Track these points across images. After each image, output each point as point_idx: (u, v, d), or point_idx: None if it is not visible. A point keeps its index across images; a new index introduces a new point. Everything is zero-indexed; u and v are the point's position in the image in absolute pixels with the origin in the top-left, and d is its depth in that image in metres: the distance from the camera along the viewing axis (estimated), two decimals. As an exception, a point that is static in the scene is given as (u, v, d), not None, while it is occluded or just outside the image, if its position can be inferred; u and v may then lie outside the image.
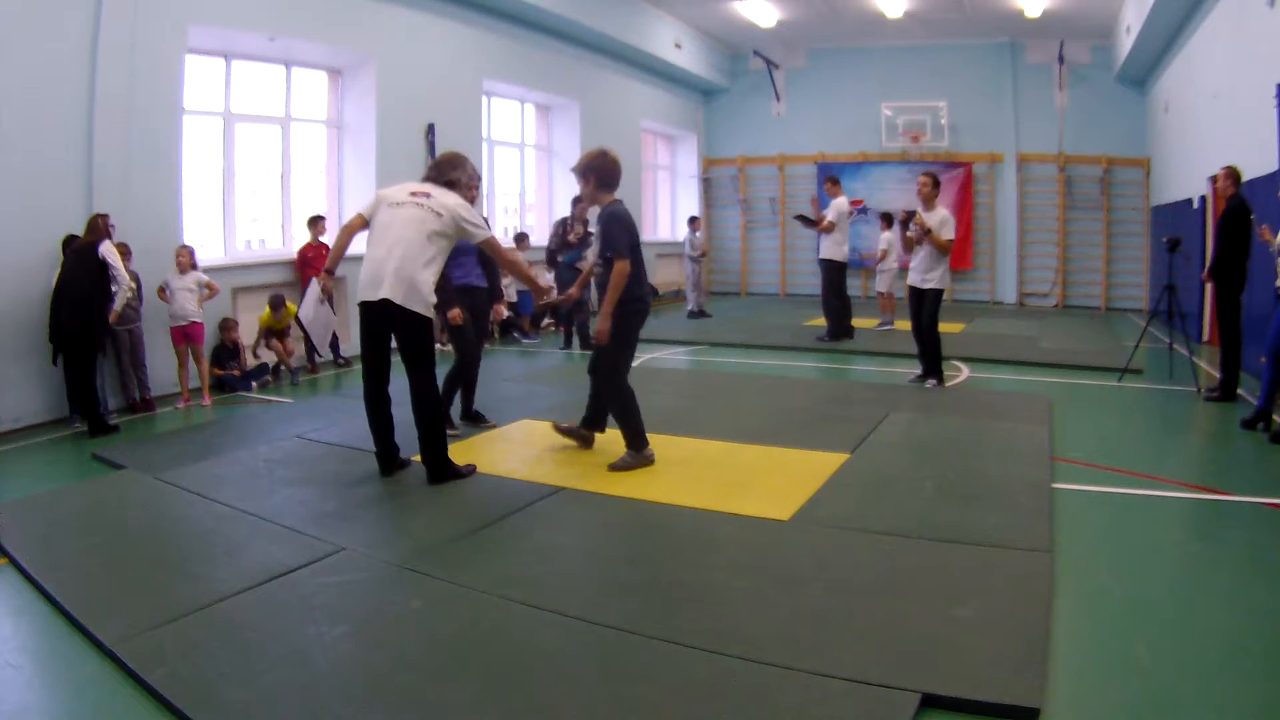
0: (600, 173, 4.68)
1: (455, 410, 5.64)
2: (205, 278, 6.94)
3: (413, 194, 4.40)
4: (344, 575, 3.31)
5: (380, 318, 4.34)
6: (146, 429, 6.12)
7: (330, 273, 4.60)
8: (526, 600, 3.07)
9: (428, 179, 4.61)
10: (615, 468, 4.66)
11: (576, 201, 9.13)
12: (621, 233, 4.58)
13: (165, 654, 2.69)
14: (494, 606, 3.04)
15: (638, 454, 4.71)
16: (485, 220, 4.57)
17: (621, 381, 4.72)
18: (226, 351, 7.57)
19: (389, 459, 4.60)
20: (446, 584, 3.24)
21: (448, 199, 4.42)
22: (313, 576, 3.29)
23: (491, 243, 4.63)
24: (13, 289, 5.92)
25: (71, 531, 3.82)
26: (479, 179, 4.81)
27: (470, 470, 4.59)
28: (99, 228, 5.94)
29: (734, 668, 2.59)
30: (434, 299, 4.39)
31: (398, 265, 4.23)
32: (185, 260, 6.81)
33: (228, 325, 7.59)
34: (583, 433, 5.11)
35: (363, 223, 4.45)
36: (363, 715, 2.36)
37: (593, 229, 8.52)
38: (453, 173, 4.61)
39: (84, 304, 5.73)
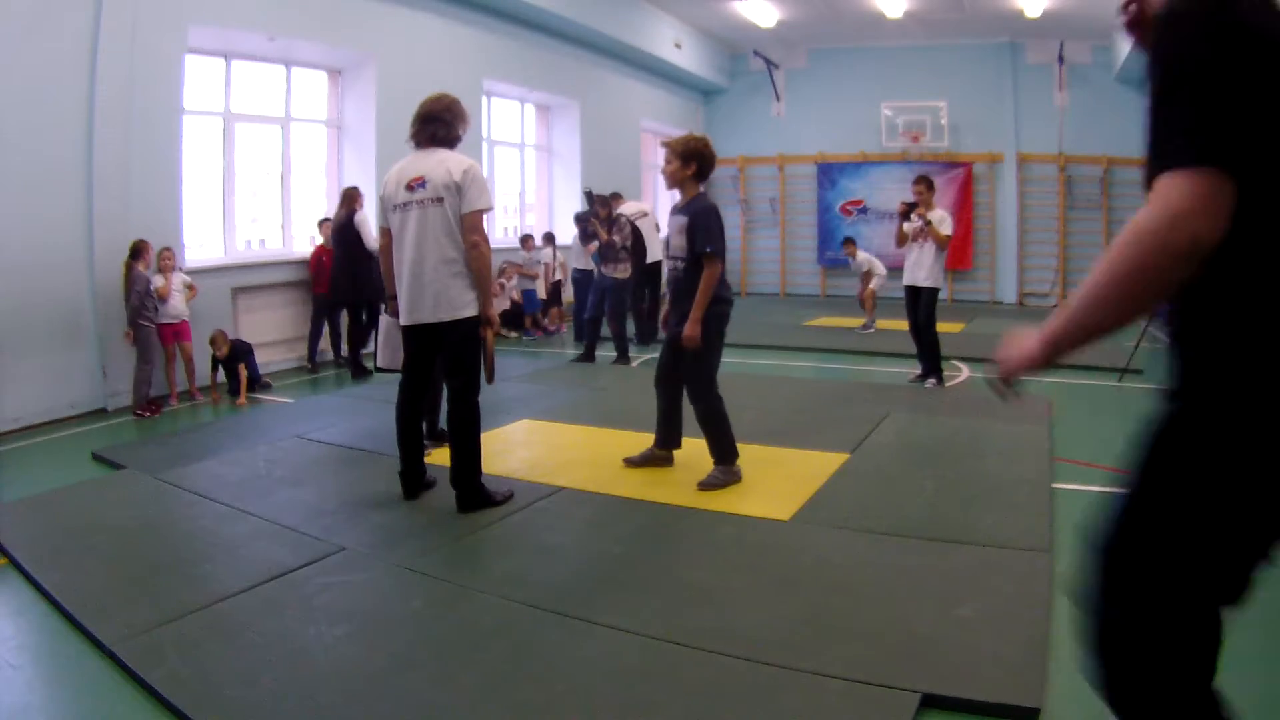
0: (703, 161, 4.32)
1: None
2: (187, 278, 6.98)
3: (409, 186, 3.92)
4: (344, 575, 3.31)
5: (423, 336, 4.05)
6: (146, 429, 6.12)
7: (393, 298, 4.21)
8: (526, 600, 3.06)
9: (416, 140, 4.07)
10: (705, 486, 4.28)
11: (610, 200, 8.59)
12: (720, 229, 4.24)
13: (165, 654, 2.69)
14: (494, 606, 3.04)
15: (729, 469, 4.36)
16: (488, 191, 3.97)
17: (714, 389, 4.36)
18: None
19: (414, 479, 4.22)
20: (446, 584, 3.24)
21: (444, 168, 3.89)
22: (313, 576, 3.29)
23: (476, 220, 3.93)
24: (12, 289, 5.91)
25: (71, 531, 3.82)
26: (467, 120, 4.20)
27: (507, 497, 4.15)
28: (352, 198, 7.70)
29: (734, 668, 2.59)
30: (473, 290, 3.95)
31: (426, 281, 3.89)
32: (170, 262, 6.84)
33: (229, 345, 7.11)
34: (658, 454, 4.68)
35: (389, 235, 4.10)
36: (363, 715, 2.36)
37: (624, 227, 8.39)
38: (456, 132, 4.08)
39: (347, 272, 7.66)
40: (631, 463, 4.69)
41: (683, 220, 4.32)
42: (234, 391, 7.02)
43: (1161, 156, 1.31)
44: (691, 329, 4.20)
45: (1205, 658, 1.51)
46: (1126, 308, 1.37)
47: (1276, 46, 1.27)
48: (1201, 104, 1.27)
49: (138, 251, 6.48)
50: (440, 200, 3.87)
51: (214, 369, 7.10)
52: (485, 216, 3.99)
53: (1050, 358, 1.54)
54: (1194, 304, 1.39)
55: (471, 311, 3.96)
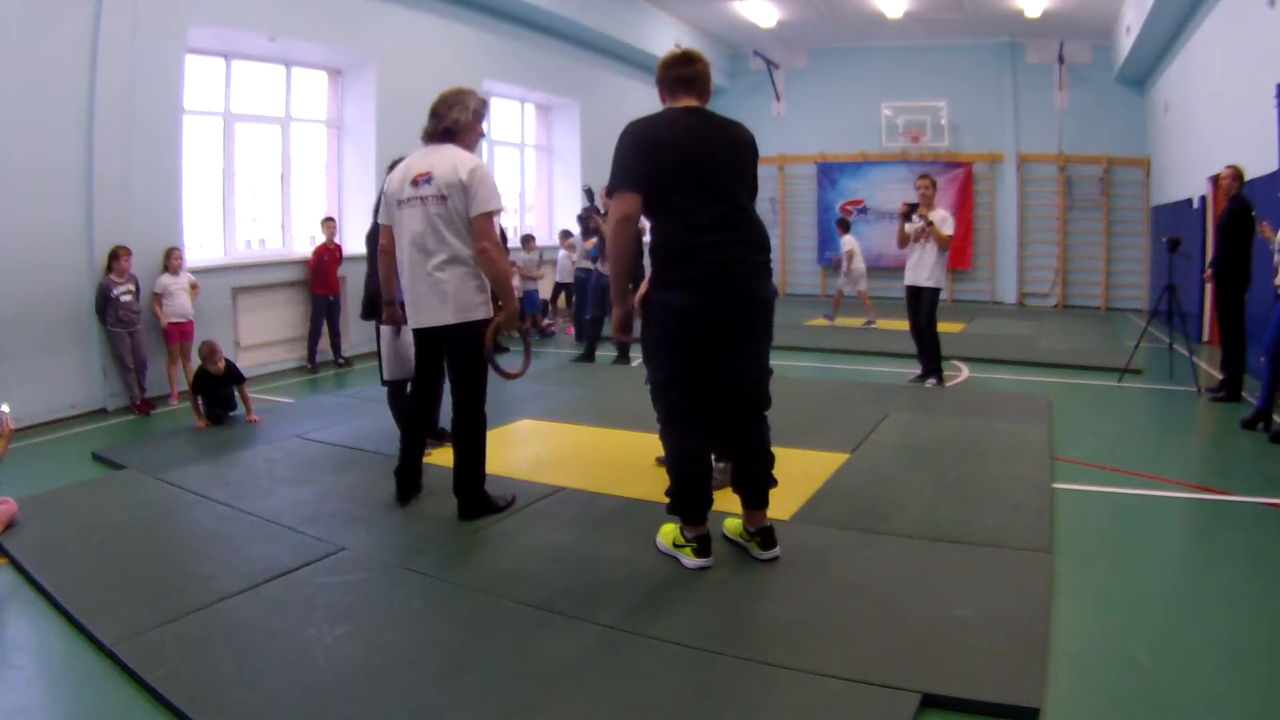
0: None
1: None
2: (193, 278, 7.00)
3: (414, 181, 3.76)
4: (344, 575, 3.31)
5: (430, 339, 3.93)
6: (146, 429, 6.12)
7: (392, 303, 4.17)
8: (526, 600, 3.06)
9: (428, 135, 3.89)
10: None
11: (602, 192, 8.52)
12: None
13: (165, 654, 2.69)
14: (494, 606, 3.04)
15: (723, 468, 4.24)
16: (497, 191, 3.78)
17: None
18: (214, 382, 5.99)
19: (409, 481, 4.16)
20: (446, 584, 3.24)
21: (450, 165, 3.71)
22: (313, 576, 3.29)
23: (485, 225, 3.72)
24: (12, 290, 5.92)
25: (71, 531, 3.82)
26: (484, 111, 3.98)
27: (510, 502, 4.07)
28: None
29: (734, 668, 2.59)
30: (482, 292, 3.83)
31: (427, 280, 3.75)
32: (177, 261, 6.85)
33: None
34: None
35: (390, 235, 3.96)
36: (363, 715, 2.36)
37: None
38: (450, 117, 3.84)
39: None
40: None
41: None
42: (213, 417, 5.99)
43: (610, 187, 3.26)
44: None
45: (702, 451, 3.37)
46: (622, 258, 3.24)
47: (650, 140, 3.20)
48: (621, 164, 3.22)
49: (111, 258, 6.37)
50: (444, 198, 3.70)
51: (196, 390, 6.00)
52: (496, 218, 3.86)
53: (623, 309, 3.35)
54: (650, 243, 3.29)
55: (478, 315, 3.80)
